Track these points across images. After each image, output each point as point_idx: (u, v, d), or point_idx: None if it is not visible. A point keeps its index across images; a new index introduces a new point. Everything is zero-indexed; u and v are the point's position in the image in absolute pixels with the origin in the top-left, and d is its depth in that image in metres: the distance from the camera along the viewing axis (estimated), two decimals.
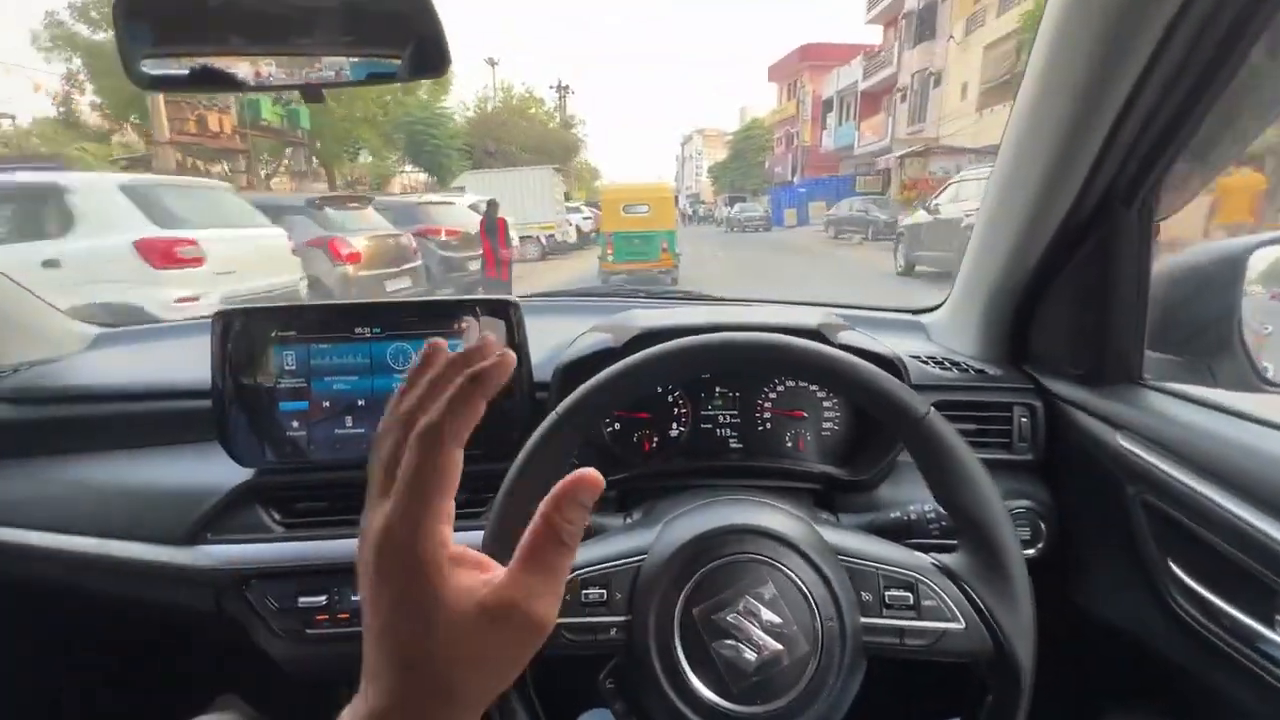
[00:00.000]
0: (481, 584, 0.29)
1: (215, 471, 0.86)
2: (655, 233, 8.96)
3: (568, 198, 20.75)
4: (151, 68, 0.69)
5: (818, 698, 0.53)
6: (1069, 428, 0.84)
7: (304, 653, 0.85)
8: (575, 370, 0.82)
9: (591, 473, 0.31)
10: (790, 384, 0.92)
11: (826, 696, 0.53)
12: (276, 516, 0.87)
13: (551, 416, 0.58)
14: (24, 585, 0.90)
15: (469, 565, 0.30)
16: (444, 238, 8.22)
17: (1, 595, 0.95)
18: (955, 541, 0.59)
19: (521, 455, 0.58)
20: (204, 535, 0.85)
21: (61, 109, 18.66)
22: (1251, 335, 0.78)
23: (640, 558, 0.59)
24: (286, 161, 21.68)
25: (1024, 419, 0.87)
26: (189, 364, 0.91)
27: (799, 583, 0.55)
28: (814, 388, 0.92)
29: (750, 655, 0.53)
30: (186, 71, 0.71)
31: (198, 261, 4.54)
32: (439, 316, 0.86)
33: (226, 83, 0.72)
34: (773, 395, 0.92)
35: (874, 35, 28.41)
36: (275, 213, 6.05)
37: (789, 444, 0.92)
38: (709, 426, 0.93)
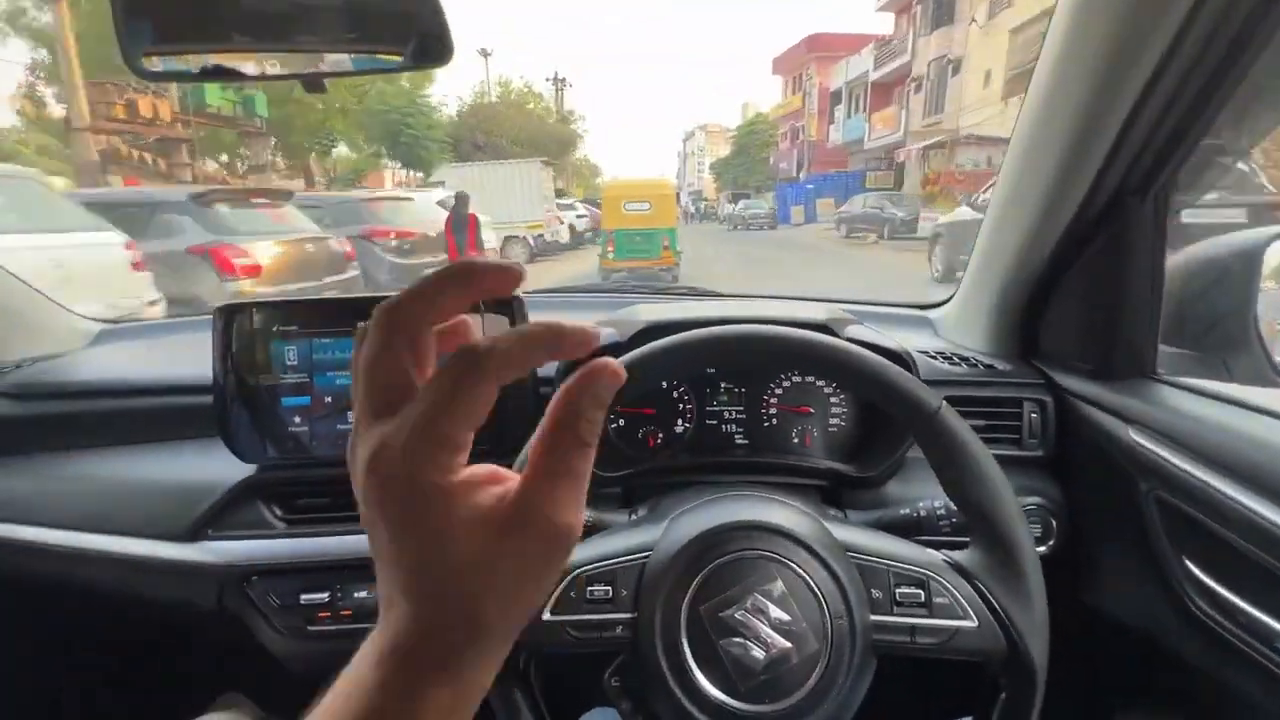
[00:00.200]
0: (495, 498, 0.26)
1: (217, 467, 0.85)
2: (656, 230, 8.93)
3: (562, 194, 19.60)
4: (152, 64, 0.68)
5: (827, 696, 0.52)
6: (1080, 423, 0.83)
7: (306, 650, 0.84)
8: (579, 366, 0.81)
9: (611, 363, 0.27)
10: (797, 379, 0.91)
11: (836, 695, 0.52)
12: (278, 513, 0.86)
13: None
14: (25, 582, 0.90)
15: (481, 482, 0.26)
16: (394, 240, 7.10)
17: (2, 592, 0.94)
18: (967, 538, 0.58)
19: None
20: (205, 532, 0.85)
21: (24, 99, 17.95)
22: (1268, 329, 0.77)
23: (645, 554, 0.58)
24: (244, 152, 19.37)
25: (1034, 414, 0.86)
26: (191, 360, 0.90)
27: (808, 580, 0.55)
28: (821, 383, 0.91)
29: (758, 653, 0.52)
30: (188, 67, 0.70)
31: None
32: None
33: (228, 75, 0.72)
34: (779, 391, 0.91)
35: (885, 25, 27.19)
36: (143, 211, 4.84)
37: (795, 440, 0.91)
38: (714, 422, 0.92)
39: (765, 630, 0.53)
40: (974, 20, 18.79)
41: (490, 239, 9.60)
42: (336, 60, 0.75)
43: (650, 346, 0.59)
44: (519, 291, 0.85)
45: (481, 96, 27.37)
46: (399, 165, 22.96)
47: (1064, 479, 0.85)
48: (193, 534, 0.85)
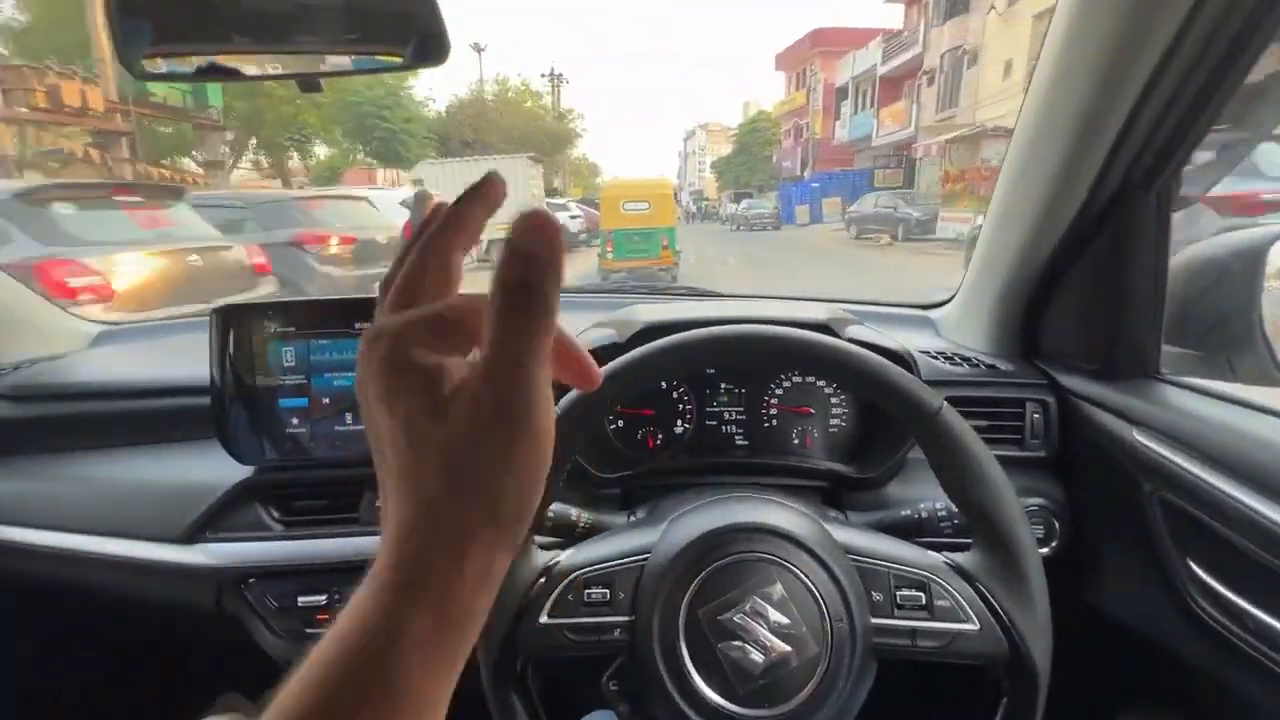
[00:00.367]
0: (473, 384, 0.25)
1: (215, 469, 0.85)
2: (655, 229, 8.91)
3: (556, 193, 18.80)
4: (152, 66, 0.68)
5: (827, 701, 0.52)
6: (1083, 423, 0.82)
7: (305, 653, 0.84)
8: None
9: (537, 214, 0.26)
10: (797, 379, 0.91)
11: (836, 699, 0.52)
12: (276, 515, 0.86)
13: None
14: (24, 583, 0.90)
15: (463, 371, 0.27)
16: (334, 248, 5.84)
17: (2, 594, 0.94)
18: (968, 540, 0.57)
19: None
20: (203, 534, 0.85)
21: None
22: (1273, 328, 0.76)
23: (644, 557, 0.58)
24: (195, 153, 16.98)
25: (1036, 415, 0.86)
26: (189, 361, 0.90)
27: (808, 582, 0.54)
28: (821, 383, 0.90)
29: (757, 657, 0.52)
30: (187, 68, 0.70)
31: None
32: None
33: (227, 74, 0.72)
34: (779, 391, 0.91)
35: (893, 17, 25.55)
36: None
37: (796, 441, 0.90)
38: (714, 423, 0.91)
39: (764, 634, 0.52)
40: (993, 7, 17.48)
41: None
42: (336, 60, 0.75)
43: (650, 346, 0.59)
44: None
45: (478, 94, 26.24)
46: (376, 162, 21.34)
47: (1066, 480, 0.85)
48: (190, 536, 0.84)
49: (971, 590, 0.54)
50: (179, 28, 0.68)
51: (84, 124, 12.26)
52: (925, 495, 0.72)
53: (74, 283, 3.52)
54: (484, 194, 0.28)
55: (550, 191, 17.50)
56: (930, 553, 0.57)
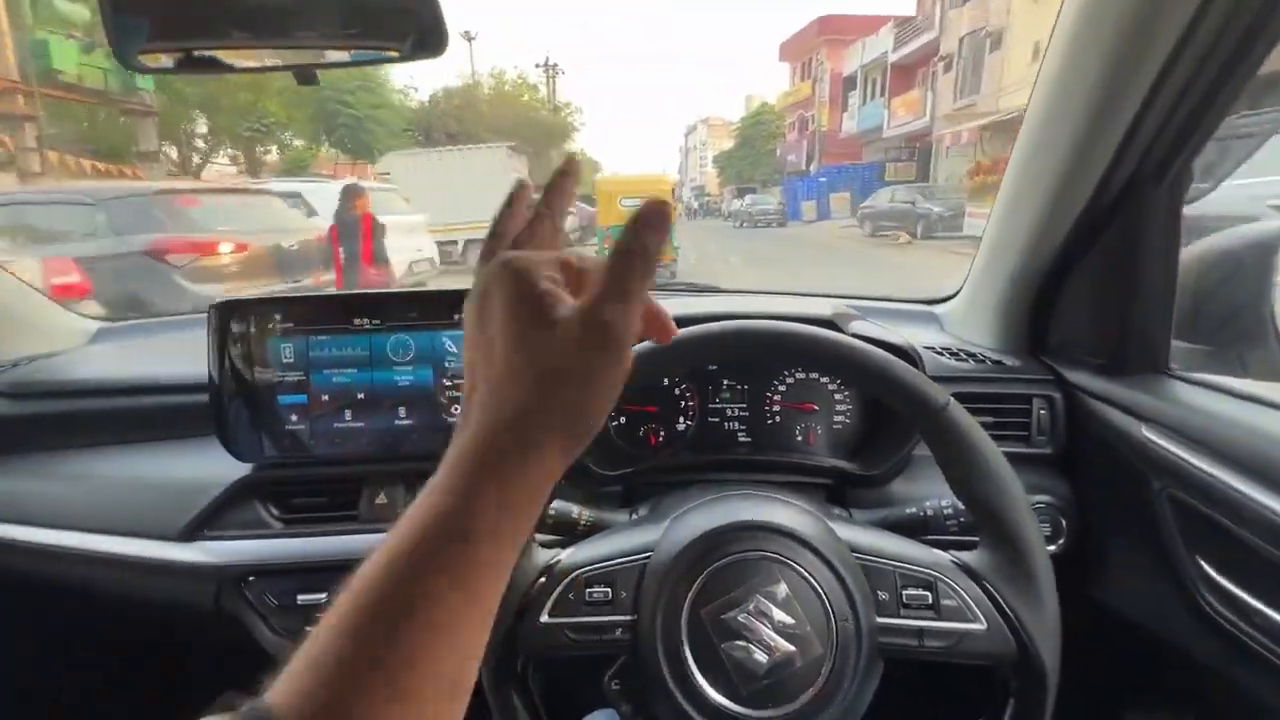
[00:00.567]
0: (573, 309, 0.31)
1: (213, 466, 0.84)
2: None
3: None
4: (149, 59, 0.67)
5: (832, 701, 0.51)
6: (1090, 420, 0.81)
7: None
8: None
9: (658, 196, 0.33)
10: (800, 376, 0.90)
11: (841, 700, 0.51)
12: (275, 512, 0.85)
13: None
14: (23, 582, 0.89)
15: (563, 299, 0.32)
16: (212, 258, 4.43)
17: (1, 592, 0.94)
18: (975, 538, 0.56)
19: None
20: (202, 531, 0.84)
21: None
22: None
23: (646, 555, 0.57)
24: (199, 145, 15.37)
25: (1043, 411, 0.85)
26: (188, 358, 0.90)
27: (813, 581, 0.53)
28: (825, 379, 0.89)
29: (761, 657, 0.51)
30: (181, 60, 0.69)
31: None
32: (442, 308, 0.84)
33: (223, 67, 0.71)
34: (782, 388, 0.90)
35: (904, 3, 23.13)
36: None
37: (799, 437, 0.89)
38: (717, 420, 0.90)
39: (768, 633, 0.52)
40: None
41: (424, 246, 7.33)
42: (335, 53, 0.74)
43: (650, 343, 0.58)
44: None
45: (470, 85, 24.67)
46: (339, 153, 18.70)
47: (1074, 477, 0.84)
48: (189, 534, 0.84)
49: (979, 589, 0.53)
50: (176, 23, 0.67)
51: None
52: (931, 492, 0.71)
53: None
54: (568, 170, 0.38)
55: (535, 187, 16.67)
56: (936, 551, 0.57)
